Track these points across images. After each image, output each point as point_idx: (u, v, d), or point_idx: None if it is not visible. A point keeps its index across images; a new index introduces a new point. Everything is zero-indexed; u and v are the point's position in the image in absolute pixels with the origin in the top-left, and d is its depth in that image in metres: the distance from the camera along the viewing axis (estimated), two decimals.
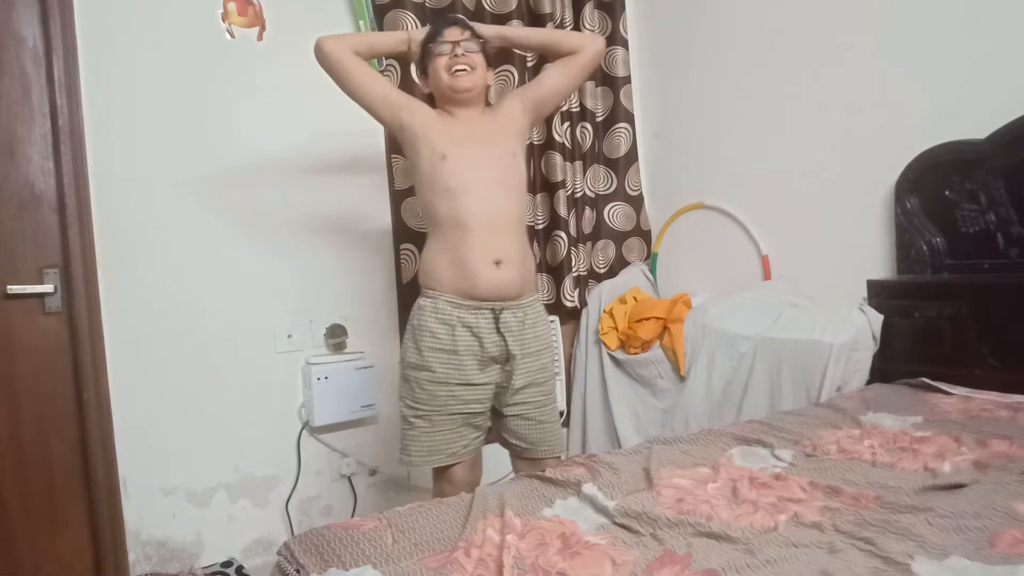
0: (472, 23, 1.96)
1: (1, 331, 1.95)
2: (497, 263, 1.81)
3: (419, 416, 1.82)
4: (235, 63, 2.28)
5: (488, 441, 1.94)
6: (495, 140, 1.90)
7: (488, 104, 2.03)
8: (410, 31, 2.06)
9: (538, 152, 2.77)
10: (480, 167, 1.84)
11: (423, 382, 1.81)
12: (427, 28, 1.97)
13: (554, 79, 2.01)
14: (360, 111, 2.47)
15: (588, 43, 2.03)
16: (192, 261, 2.22)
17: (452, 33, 1.88)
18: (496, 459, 2.02)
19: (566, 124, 2.79)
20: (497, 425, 1.95)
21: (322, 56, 1.86)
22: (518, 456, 1.95)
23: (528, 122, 2.01)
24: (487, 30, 1.99)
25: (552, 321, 2.70)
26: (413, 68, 2.20)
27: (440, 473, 1.86)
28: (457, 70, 1.85)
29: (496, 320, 1.81)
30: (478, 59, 1.88)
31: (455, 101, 1.90)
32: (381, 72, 2.51)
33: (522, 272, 1.87)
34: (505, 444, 1.97)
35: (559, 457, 1.93)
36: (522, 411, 1.89)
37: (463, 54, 1.85)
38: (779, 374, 2.23)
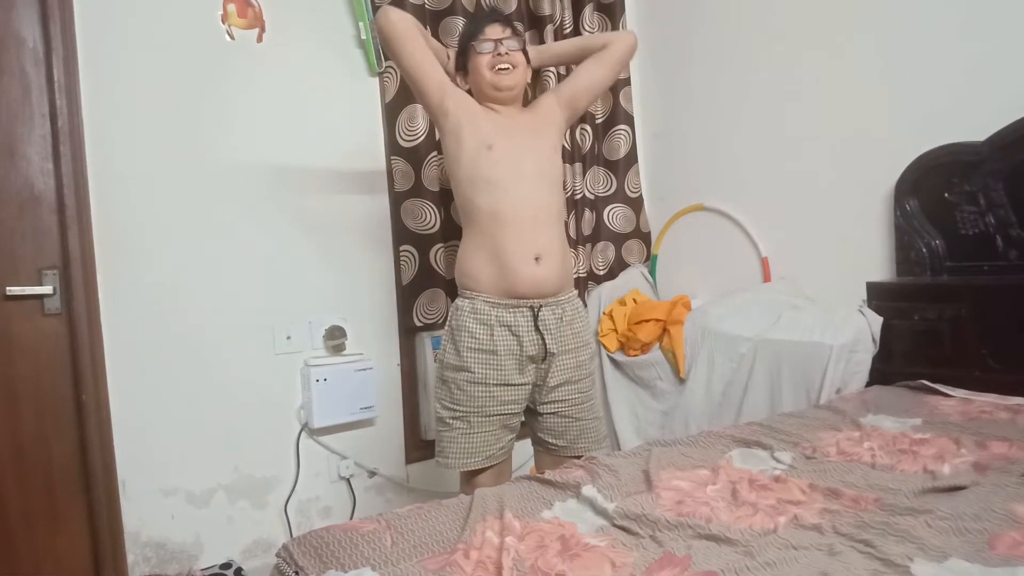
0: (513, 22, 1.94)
1: (0, 332, 1.95)
2: (537, 259, 1.78)
3: (457, 417, 1.80)
4: (235, 64, 2.27)
5: (520, 437, 1.91)
6: (538, 133, 1.89)
7: (525, 103, 2.02)
8: (450, 51, 2.01)
9: None
10: (525, 159, 1.83)
11: (462, 383, 1.79)
12: (458, 41, 1.94)
13: (587, 73, 1.99)
14: (359, 112, 2.51)
15: (617, 37, 2.01)
16: (191, 262, 2.21)
17: (494, 31, 1.85)
18: (518, 455, 2.01)
19: None
20: (531, 423, 1.92)
21: (388, 23, 1.82)
22: (548, 453, 1.91)
23: (564, 118, 1.99)
24: (529, 51, 1.95)
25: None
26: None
27: (468, 478, 1.82)
28: (500, 68, 1.83)
29: (535, 318, 1.79)
30: (519, 57, 1.87)
31: (496, 99, 1.88)
32: (380, 73, 2.51)
33: (562, 268, 1.84)
34: (538, 442, 1.93)
35: (580, 456, 1.88)
36: (558, 408, 1.86)
37: (506, 52, 1.83)
38: (779, 376, 2.23)
